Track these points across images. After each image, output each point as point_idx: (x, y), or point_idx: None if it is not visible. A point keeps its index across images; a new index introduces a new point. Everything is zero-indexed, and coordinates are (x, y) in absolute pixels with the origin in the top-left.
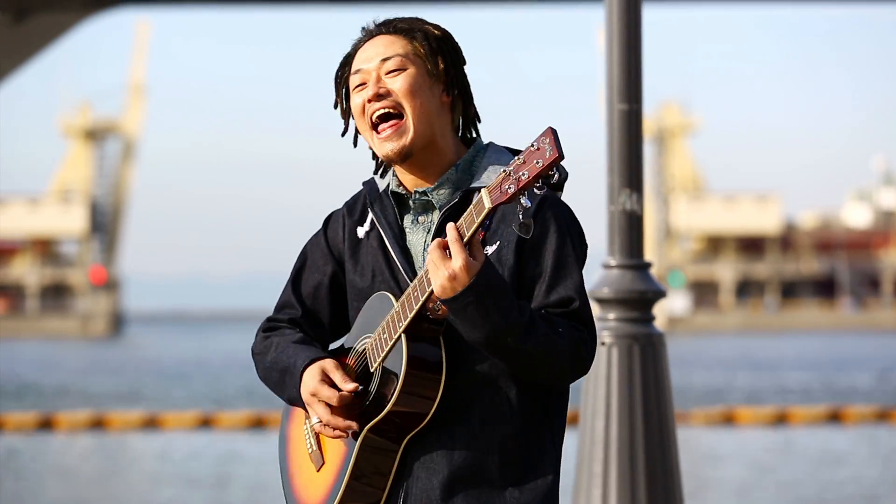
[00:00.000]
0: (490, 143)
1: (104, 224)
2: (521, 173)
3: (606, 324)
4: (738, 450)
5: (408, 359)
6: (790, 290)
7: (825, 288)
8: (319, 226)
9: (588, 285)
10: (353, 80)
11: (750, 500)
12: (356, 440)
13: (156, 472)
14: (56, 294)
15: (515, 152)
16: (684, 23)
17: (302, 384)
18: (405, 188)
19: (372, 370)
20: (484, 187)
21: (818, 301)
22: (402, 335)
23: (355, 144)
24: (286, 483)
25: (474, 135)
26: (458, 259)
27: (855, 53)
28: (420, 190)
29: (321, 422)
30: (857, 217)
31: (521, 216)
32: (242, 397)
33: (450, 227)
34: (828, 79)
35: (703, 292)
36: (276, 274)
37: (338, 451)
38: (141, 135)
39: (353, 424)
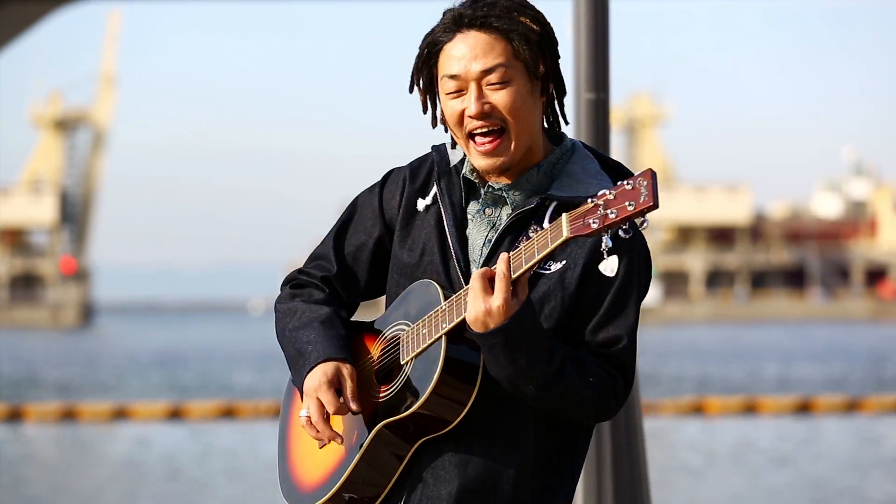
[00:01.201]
0: (575, 145)
1: (74, 214)
2: (609, 210)
3: None
4: (707, 439)
5: (444, 361)
6: (760, 281)
7: (795, 278)
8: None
9: None
10: (447, 85)
11: (717, 490)
12: (369, 429)
13: (126, 462)
14: (26, 284)
15: (603, 159)
16: (657, 14)
17: (310, 375)
18: (479, 175)
19: (402, 363)
20: (566, 212)
21: (788, 291)
22: (444, 337)
23: (434, 125)
24: (281, 458)
25: (560, 127)
26: (498, 297)
27: (826, 45)
28: (496, 185)
29: (309, 418)
30: (827, 207)
31: (605, 253)
32: (212, 388)
33: (502, 258)
34: (799, 70)
35: (673, 282)
36: (247, 263)
37: (346, 435)
38: (111, 125)
39: (338, 437)
